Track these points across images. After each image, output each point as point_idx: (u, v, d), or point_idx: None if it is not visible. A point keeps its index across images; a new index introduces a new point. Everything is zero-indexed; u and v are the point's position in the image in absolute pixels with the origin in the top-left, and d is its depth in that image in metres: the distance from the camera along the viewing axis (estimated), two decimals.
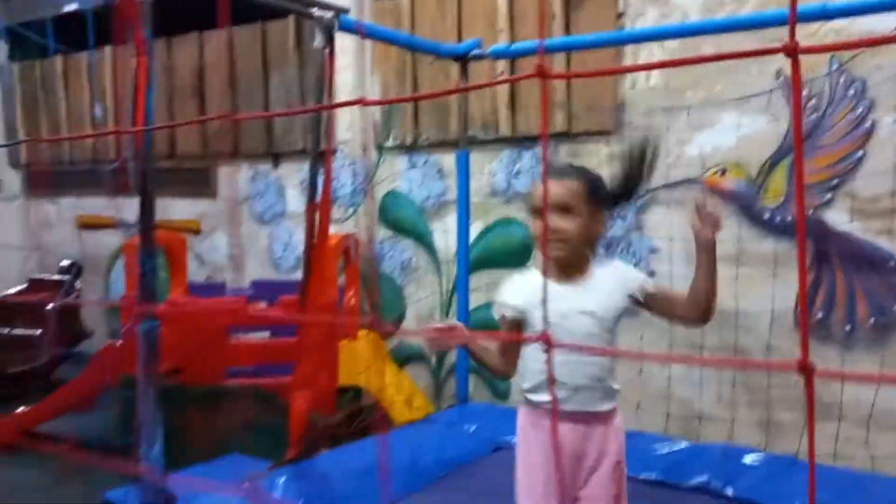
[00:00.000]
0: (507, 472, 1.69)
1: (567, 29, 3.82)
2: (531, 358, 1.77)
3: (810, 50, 0.69)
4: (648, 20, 3.61)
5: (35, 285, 5.04)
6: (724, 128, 3.43)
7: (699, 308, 1.81)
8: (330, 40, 2.30)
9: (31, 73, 6.30)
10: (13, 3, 5.41)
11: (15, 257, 6.13)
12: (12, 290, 5.07)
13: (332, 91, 2.38)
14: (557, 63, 3.85)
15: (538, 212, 1.77)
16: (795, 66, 0.63)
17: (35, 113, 6.32)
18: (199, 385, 3.23)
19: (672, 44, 3.52)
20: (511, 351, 1.83)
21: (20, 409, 3.94)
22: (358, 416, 3.22)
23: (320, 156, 2.58)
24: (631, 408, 3.60)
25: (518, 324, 1.78)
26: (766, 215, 3.37)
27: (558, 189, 1.74)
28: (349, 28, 2.56)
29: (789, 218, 3.32)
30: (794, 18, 0.71)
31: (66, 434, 3.81)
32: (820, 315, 3.28)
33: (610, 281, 1.80)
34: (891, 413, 3.10)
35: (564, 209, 1.73)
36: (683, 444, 2.87)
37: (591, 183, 1.80)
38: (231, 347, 3.29)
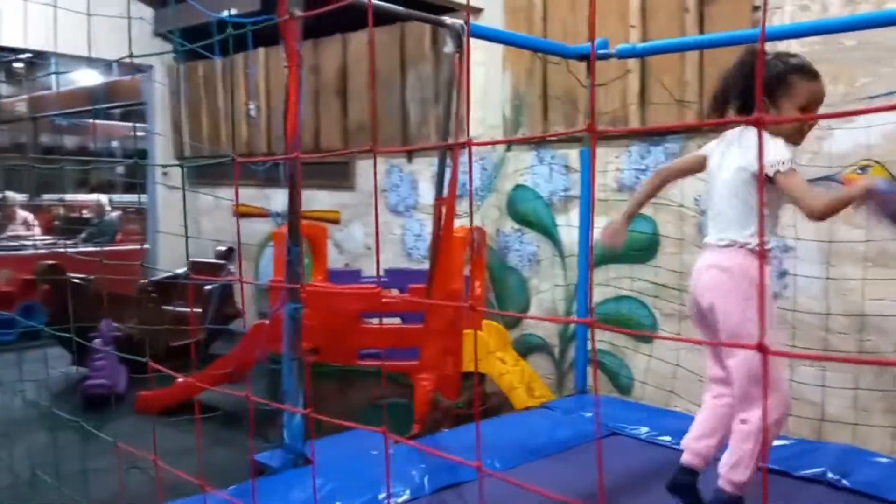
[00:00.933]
0: (619, 455, 1.77)
1: (701, 23, 3.78)
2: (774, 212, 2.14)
3: (776, 121, 0.73)
4: (786, 14, 3.52)
5: (196, 268, 5.56)
6: (867, 124, 3.29)
7: None
8: (460, 46, 2.45)
9: (195, 73, 6.91)
10: (179, 8, 5.95)
11: (179, 242, 6.75)
12: (177, 272, 5.63)
13: (461, 93, 2.54)
14: (690, 59, 3.83)
15: (810, 108, 2.12)
16: (760, 134, 0.70)
17: (198, 110, 6.93)
18: (334, 364, 3.50)
19: (812, 39, 3.41)
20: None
21: (180, 380, 4.40)
22: (482, 401, 3.37)
23: (449, 151, 2.74)
24: None
25: None
26: None
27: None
28: (479, 34, 2.69)
29: None
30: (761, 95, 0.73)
31: (219, 403, 4.23)
32: None
33: None
34: None
35: None
36: (804, 442, 2.84)
37: None
38: (363, 331, 3.54)
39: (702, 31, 3.76)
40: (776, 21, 3.55)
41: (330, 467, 2.26)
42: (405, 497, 2.26)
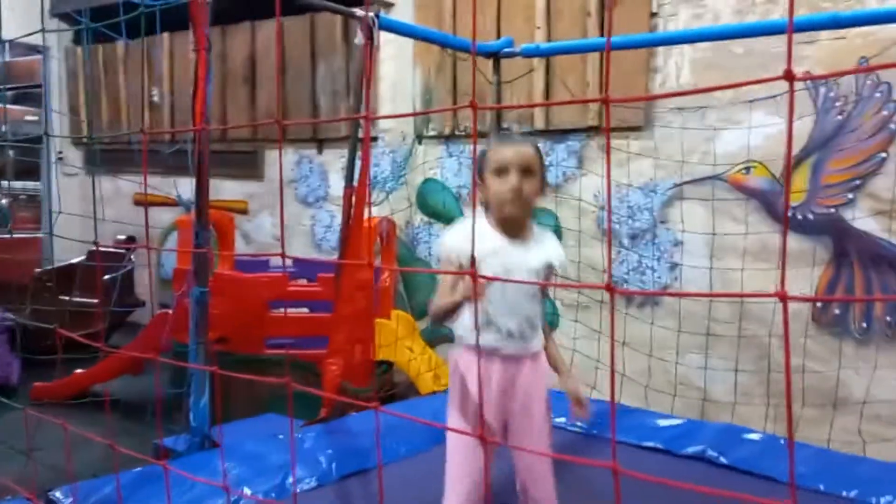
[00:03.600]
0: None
1: (601, 27, 3.96)
2: (470, 305, 1.80)
3: (805, 78, 0.78)
4: (681, 21, 3.73)
5: (94, 257, 5.37)
6: (751, 126, 3.54)
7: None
8: (370, 37, 2.50)
9: (95, 57, 6.65)
10: None
11: (76, 230, 6.49)
12: (74, 260, 5.42)
13: (370, 84, 2.58)
14: (592, 61, 4.00)
15: (503, 171, 1.83)
16: (791, 91, 0.74)
17: (97, 95, 6.67)
18: (242, 353, 3.48)
19: (704, 45, 3.63)
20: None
21: (78, 371, 4.26)
22: (389, 387, 3.43)
23: (359, 142, 2.78)
24: (640, 392, 3.77)
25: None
26: (788, 212, 3.47)
27: (525, 151, 1.85)
28: (389, 27, 2.74)
29: (810, 216, 3.43)
30: (791, 48, 0.78)
31: (119, 394, 4.12)
32: (837, 311, 3.38)
33: (545, 244, 1.94)
34: (886, 404, 3.21)
35: (528, 171, 1.84)
36: (685, 421, 3.06)
37: (540, 151, 1.92)
38: (271, 320, 3.54)
39: (602, 34, 3.93)
40: (671, 27, 3.76)
41: (237, 451, 2.27)
42: (312, 484, 2.29)
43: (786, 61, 0.72)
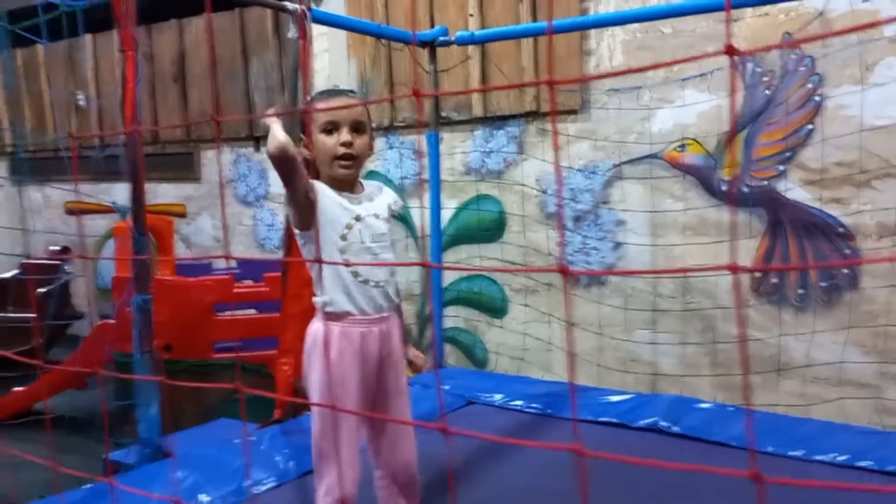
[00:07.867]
0: (478, 420, 1.88)
1: (534, 13, 3.98)
2: (333, 270, 1.73)
3: (746, 52, 0.80)
4: (611, 4, 3.78)
5: (28, 269, 5.18)
6: (684, 104, 3.61)
7: None
8: (303, 30, 2.46)
9: (14, 62, 6.38)
10: None
11: (5, 244, 6.24)
12: (6, 275, 5.21)
13: (307, 78, 2.55)
14: (526, 46, 4.02)
15: (333, 128, 1.75)
16: (733, 66, 0.77)
17: (18, 101, 6.41)
18: (189, 359, 3.41)
19: (634, 27, 3.69)
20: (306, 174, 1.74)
21: (17, 389, 4.10)
22: None
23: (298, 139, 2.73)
24: (592, 370, 3.84)
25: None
26: (723, 187, 3.56)
27: (355, 107, 1.78)
28: (321, 19, 2.71)
29: (745, 189, 3.52)
30: (729, 24, 0.81)
31: (63, 410, 3.99)
32: (775, 280, 3.49)
33: (378, 191, 1.86)
34: (825, 367, 3.33)
35: (358, 127, 1.77)
36: (640, 396, 3.13)
37: (366, 106, 1.85)
38: (217, 323, 3.47)
39: (535, 20, 3.96)
40: (602, 10, 3.80)
41: (191, 460, 2.22)
42: (270, 484, 2.26)
43: (714, 39, 0.74)
